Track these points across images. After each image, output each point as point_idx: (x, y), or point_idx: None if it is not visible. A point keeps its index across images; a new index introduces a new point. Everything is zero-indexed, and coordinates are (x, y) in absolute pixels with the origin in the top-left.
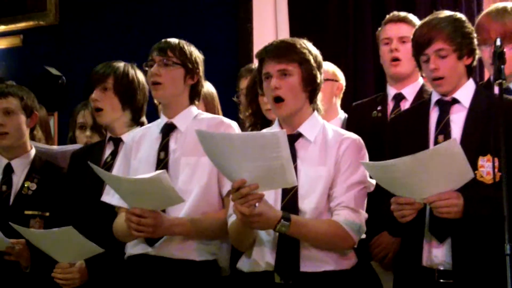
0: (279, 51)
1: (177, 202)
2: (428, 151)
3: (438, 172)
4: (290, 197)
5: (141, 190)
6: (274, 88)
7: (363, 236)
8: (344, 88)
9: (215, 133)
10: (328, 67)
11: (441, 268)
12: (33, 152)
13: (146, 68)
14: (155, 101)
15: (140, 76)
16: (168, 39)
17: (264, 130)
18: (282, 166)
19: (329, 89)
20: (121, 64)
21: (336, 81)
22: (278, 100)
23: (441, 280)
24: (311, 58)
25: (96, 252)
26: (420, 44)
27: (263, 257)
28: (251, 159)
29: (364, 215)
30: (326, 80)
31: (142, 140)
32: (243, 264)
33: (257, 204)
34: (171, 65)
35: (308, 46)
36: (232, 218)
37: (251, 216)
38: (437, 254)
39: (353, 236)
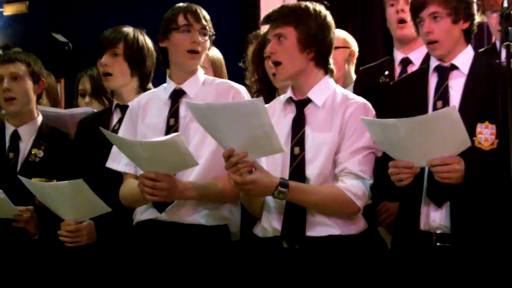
0: (274, 16)
1: (192, 165)
2: (428, 115)
3: (437, 138)
4: (298, 163)
5: (155, 154)
6: (270, 53)
7: (369, 201)
8: (357, 54)
9: (201, 104)
10: (339, 34)
11: (439, 232)
12: (40, 119)
13: (177, 32)
14: (161, 59)
15: (149, 42)
16: (189, 4)
17: (280, 97)
18: (266, 134)
19: (341, 56)
20: (130, 30)
21: (348, 47)
22: (276, 64)
23: (439, 244)
24: (310, 19)
25: (104, 210)
26: (415, 8)
27: (270, 222)
28: (236, 127)
29: (369, 180)
30: (337, 48)
31: (148, 106)
32: (258, 230)
33: (253, 171)
34: (207, 35)
35: (310, 8)
36: None
37: (244, 184)
38: (435, 218)
39: (357, 202)
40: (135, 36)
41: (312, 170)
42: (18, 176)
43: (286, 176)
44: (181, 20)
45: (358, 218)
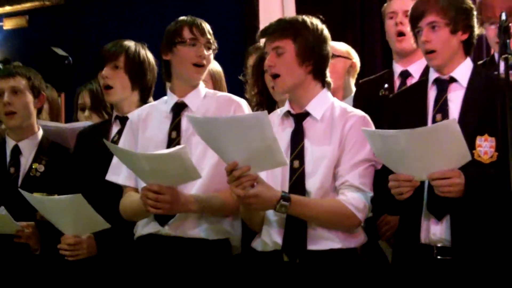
0: (272, 29)
1: (195, 178)
2: (429, 127)
3: (437, 150)
4: (297, 177)
5: (159, 166)
6: (269, 66)
7: (370, 214)
8: (358, 68)
9: (204, 118)
10: (342, 46)
11: (440, 245)
12: (40, 133)
13: (183, 46)
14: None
15: (150, 56)
16: (193, 17)
17: (277, 111)
18: (269, 147)
19: (342, 66)
20: (132, 44)
21: (349, 59)
22: (274, 77)
23: (439, 257)
24: (308, 32)
25: (103, 227)
26: (414, 17)
27: (270, 236)
28: (239, 141)
29: (370, 193)
30: (338, 56)
31: (149, 118)
32: (257, 244)
33: (255, 185)
34: (211, 49)
35: (307, 22)
36: None
37: (247, 198)
38: (435, 232)
39: (358, 215)
40: (136, 50)
41: (312, 183)
42: (20, 189)
43: (286, 190)
44: (186, 33)
45: (358, 231)
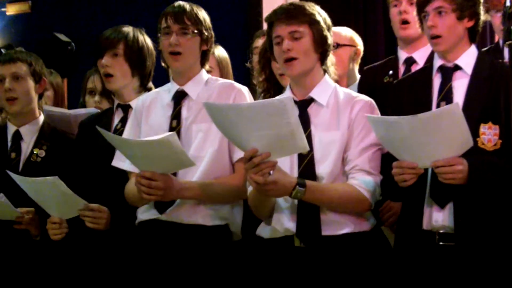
0: (289, 13)
1: (188, 165)
2: (431, 112)
3: (440, 137)
4: (307, 163)
5: (150, 153)
6: (287, 50)
7: (379, 198)
8: (362, 53)
9: (223, 104)
10: (346, 32)
11: (442, 231)
12: (41, 118)
13: (159, 35)
14: (162, 64)
15: (149, 42)
16: (180, 3)
17: (277, 98)
18: (292, 132)
19: (347, 55)
20: (130, 30)
21: (354, 46)
22: (289, 60)
23: (441, 243)
24: (320, 19)
25: (81, 205)
26: (421, 1)
27: (282, 223)
28: (260, 127)
29: (379, 177)
30: (344, 45)
31: (152, 106)
32: (263, 231)
33: (271, 172)
34: (189, 34)
35: (316, 8)
36: (251, 188)
37: (265, 185)
38: (438, 219)
39: (369, 199)
40: (135, 36)
41: (323, 169)
42: (7, 171)
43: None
44: (162, 23)
45: (368, 214)
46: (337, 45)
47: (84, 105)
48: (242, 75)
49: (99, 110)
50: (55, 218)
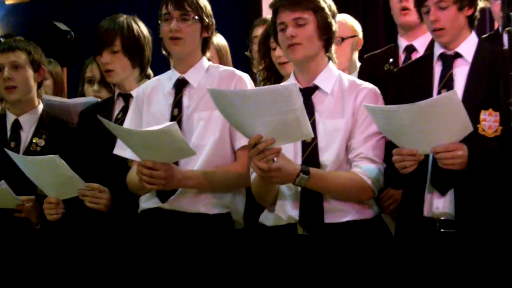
0: (293, 0)
1: (189, 155)
2: (429, 100)
3: (439, 124)
4: (310, 151)
5: (152, 143)
6: (291, 37)
7: (382, 186)
8: (362, 41)
9: (228, 91)
10: (346, 20)
11: (443, 218)
12: (40, 107)
13: (160, 22)
14: (163, 52)
15: (144, 29)
16: None
17: (282, 84)
18: (297, 119)
19: (350, 46)
20: (124, 21)
21: (356, 36)
22: (294, 45)
23: (442, 230)
24: (325, 6)
25: (80, 185)
26: None
27: (285, 211)
28: (265, 114)
29: (383, 165)
30: (347, 38)
31: (153, 94)
32: (266, 218)
33: (275, 159)
34: (190, 20)
35: None
36: (254, 175)
37: (269, 171)
38: (438, 206)
39: (372, 187)
40: (130, 27)
41: (327, 157)
42: (5, 150)
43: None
44: (163, 9)
45: (371, 202)
46: (342, 40)
47: (83, 94)
48: (242, 64)
49: (98, 99)
50: (51, 198)
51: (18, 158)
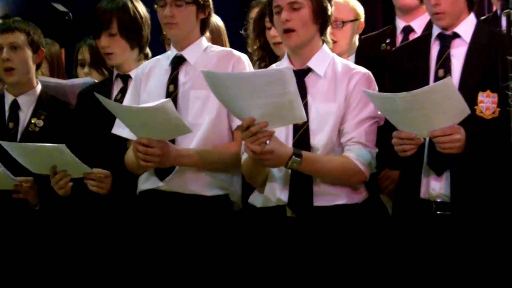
0: None
1: (185, 132)
2: (425, 88)
3: (436, 109)
4: (302, 134)
5: (147, 120)
6: (285, 21)
7: (374, 170)
8: (364, 25)
9: (221, 73)
10: (349, 2)
11: (439, 200)
12: (39, 88)
13: (156, 7)
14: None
15: (141, 8)
16: None
17: (273, 66)
18: (290, 102)
19: (351, 30)
20: (120, 1)
21: (358, 19)
22: (287, 31)
23: (438, 212)
24: None
25: (86, 170)
26: None
27: (274, 193)
28: (258, 96)
29: (375, 149)
30: (349, 21)
31: (151, 73)
32: (256, 199)
33: (268, 142)
34: (183, 5)
35: None
36: (245, 156)
37: (262, 154)
38: (435, 187)
39: (364, 171)
40: (126, 9)
41: (319, 140)
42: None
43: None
44: None
45: (361, 187)
46: (343, 24)
47: (76, 77)
48: (239, 45)
49: (95, 80)
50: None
51: (14, 147)
